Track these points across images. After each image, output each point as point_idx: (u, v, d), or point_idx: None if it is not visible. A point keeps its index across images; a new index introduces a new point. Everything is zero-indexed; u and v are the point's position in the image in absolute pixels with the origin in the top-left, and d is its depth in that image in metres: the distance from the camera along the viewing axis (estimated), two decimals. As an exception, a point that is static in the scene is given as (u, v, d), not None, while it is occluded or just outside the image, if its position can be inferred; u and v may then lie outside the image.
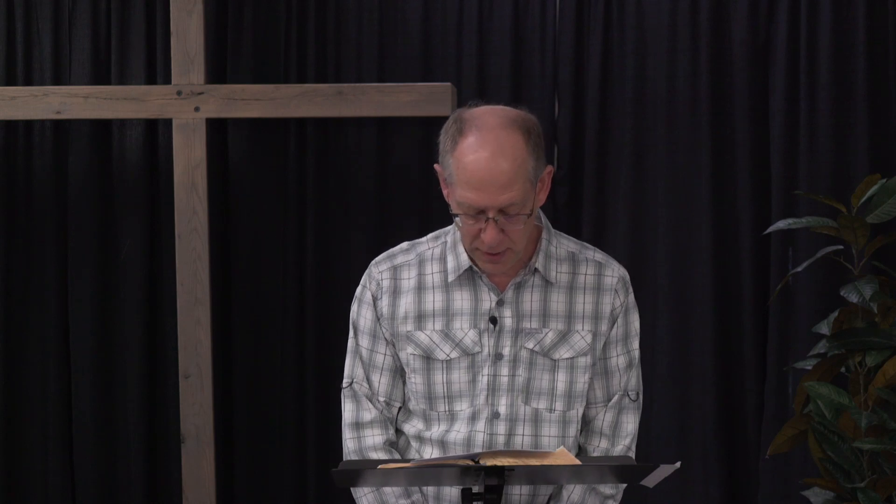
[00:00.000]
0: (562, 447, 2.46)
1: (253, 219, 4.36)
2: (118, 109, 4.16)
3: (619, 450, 2.67)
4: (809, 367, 3.71)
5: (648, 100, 4.18)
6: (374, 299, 2.65)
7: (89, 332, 4.36)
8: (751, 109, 4.14)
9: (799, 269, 3.83)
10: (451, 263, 2.62)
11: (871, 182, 3.68)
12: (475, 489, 2.36)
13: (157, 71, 4.33)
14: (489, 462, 2.28)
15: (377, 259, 2.69)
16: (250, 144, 4.35)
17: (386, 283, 2.64)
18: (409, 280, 2.64)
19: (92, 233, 4.36)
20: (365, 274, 2.68)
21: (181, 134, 4.13)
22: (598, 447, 2.66)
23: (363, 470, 2.44)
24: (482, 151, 2.45)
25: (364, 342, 2.68)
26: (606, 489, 2.65)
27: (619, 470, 2.46)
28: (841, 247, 3.75)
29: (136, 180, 4.34)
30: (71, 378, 4.39)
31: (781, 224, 3.78)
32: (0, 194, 4.38)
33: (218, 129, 4.32)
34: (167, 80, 4.22)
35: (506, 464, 2.28)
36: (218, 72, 4.31)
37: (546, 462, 2.33)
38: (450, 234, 2.66)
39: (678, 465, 2.39)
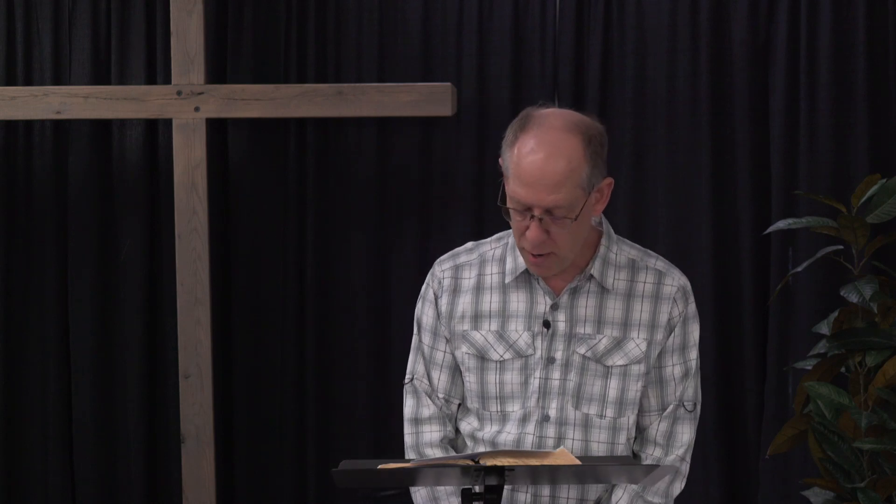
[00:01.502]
0: (562, 447, 2.46)
1: (253, 219, 4.36)
2: (118, 109, 4.16)
3: (671, 459, 2.66)
4: (809, 367, 3.71)
5: (648, 100, 4.18)
6: (436, 297, 2.68)
7: (89, 332, 4.36)
8: (751, 109, 4.14)
9: (799, 269, 3.83)
10: (509, 265, 2.64)
11: (871, 182, 3.68)
12: (475, 489, 2.36)
13: (157, 71, 4.33)
14: (489, 462, 2.28)
15: (441, 258, 2.72)
16: (250, 144, 4.35)
17: (447, 282, 2.67)
18: (469, 280, 2.66)
19: (92, 233, 4.36)
20: (430, 272, 2.71)
21: (181, 134, 4.13)
22: (652, 455, 2.66)
23: (363, 470, 2.44)
24: (538, 150, 2.47)
25: (426, 339, 2.70)
26: (655, 498, 2.65)
27: (619, 470, 2.46)
28: (841, 247, 3.75)
29: (136, 180, 4.34)
30: (71, 378, 4.39)
31: (781, 224, 3.78)
32: (0, 194, 4.38)
33: (218, 129, 4.32)
34: (167, 80, 4.22)
35: (506, 464, 2.29)
36: (218, 72, 4.31)
37: (546, 462, 2.33)
38: (512, 235, 2.66)
39: (678, 465, 2.39)
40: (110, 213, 4.37)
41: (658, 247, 4.18)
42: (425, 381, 2.70)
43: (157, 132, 4.34)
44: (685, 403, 2.67)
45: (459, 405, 2.70)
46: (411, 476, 2.44)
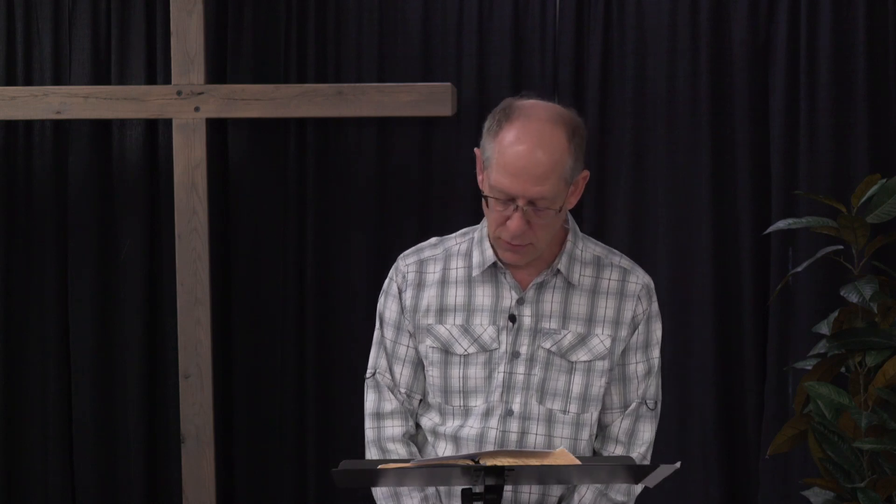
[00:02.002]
0: (562, 447, 2.46)
1: (253, 219, 4.36)
2: (118, 109, 4.16)
3: (634, 457, 2.67)
4: (809, 367, 3.71)
5: (648, 100, 4.18)
6: (400, 292, 2.68)
7: (89, 332, 4.36)
8: (751, 109, 4.14)
9: (799, 269, 3.83)
10: (475, 259, 2.64)
11: (871, 182, 3.68)
12: (475, 489, 2.36)
13: (157, 71, 4.33)
14: (489, 462, 2.28)
15: (405, 253, 2.72)
16: (250, 144, 4.35)
17: (411, 277, 2.67)
18: (433, 274, 2.66)
19: (92, 233, 4.36)
20: (393, 267, 2.72)
21: (181, 134, 4.13)
22: (613, 453, 2.67)
23: (363, 470, 2.44)
24: (524, 141, 2.48)
25: (388, 333, 2.70)
26: (618, 496, 2.66)
27: (619, 470, 2.46)
28: (841, 247, 3.75)
29: (136, 180, 4.34)
30: (71, 378, 4.39)
31: (781, 224, 3.78)
32: (0, 194, 4.38)
33: (218, 129, 4.31)
34: (167, 80, 4.22)
35: (506, 464, 2.28)
36: (218, 72, 4.31)
37: (546, 462, 2.33)
38: (478, 230, 2.67)
39: (678, 465, 2.39)
40: (110, 213, 4.37)
41: (658, 247, 4.18)
42: (387, 375, 2.69)
43: (157, 132, 4.34)
44: (647, 401, 2.69)
45: (421, 401, 2.70)
46: (411, 476, 2.44)
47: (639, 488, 2.69)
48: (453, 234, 2.72)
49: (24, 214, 4.39)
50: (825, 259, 3.77)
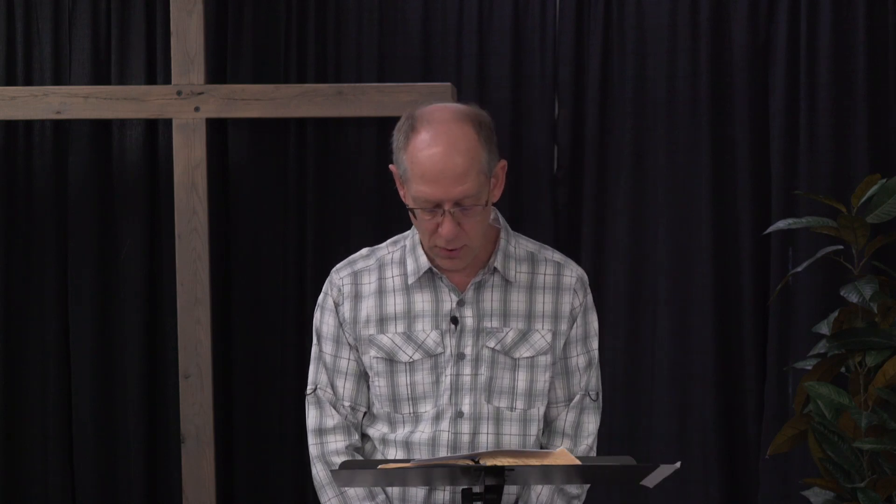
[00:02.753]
0: (562, 448, 2.46)
1: (253, 219, 4.36)
2: (118, 109, 4.16)
3: (581, 450, 2.69)
4: (809, 367, 3.71)
5: (648, 100, 4.18)
6: (336, 305, 2.67)
7: (89, 332, 4.36)
8: (751, 109, 4.14)
9: (799, 269, 3.83)
10: (410, 266, 2.64)
11: (871, 182, 3.68)
12: (475, 489, 2.36)
13: (157, 71, 4.33)
14: (489, 462, 2.28)
15: (338, 266, 2.71)
16: (250, 144, 4.35)
17: (347, 289, 2.66)
18: (369, 284, 2.66)
19: (92, 233, 4.36)
20: (326, 281, 2.70)
21: (181, 134, 4.13)
22: (560, 447, 2.67)
23: (363, 470, 2.45)
24: (435, 145, 2.48)
25: (327, 348, 2.69)
26: (573, 489, 2.68)
27: (619, 470, 2.46)
28: (841, 247, 3.75)
29: (136, 180, 4.34)
30: (71, 378, 4.39)
31: (781, 224, 3.77)
32: (0, 194, 4.38)
33: (218, 129, 4.31)
34: (167, 80, 4.22)
35: (506, 464, 2.28)
36: (218, 72, 4.31)
37: (546, 462, 2.33)
38: (408, 237, 2.67)
39: (678, 465, 2.39)
40: (110, 213, 4.37)
41: (658, 247, 4.19)
42: (329, 390, 2.68)
43: (157, 132, 4.34)
44: (590, 393, 2.70)
45: (365, 413, 2.69)
46: (411, 476, 2.44)
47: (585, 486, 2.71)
48: (384, 244, 2.71)
49: (24, 214, 4.39)
50: (825, 259, 3.77)
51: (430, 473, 2.40)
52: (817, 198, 3.81)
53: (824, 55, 4.08)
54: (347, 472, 2.41)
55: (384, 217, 4.29)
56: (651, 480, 2.41)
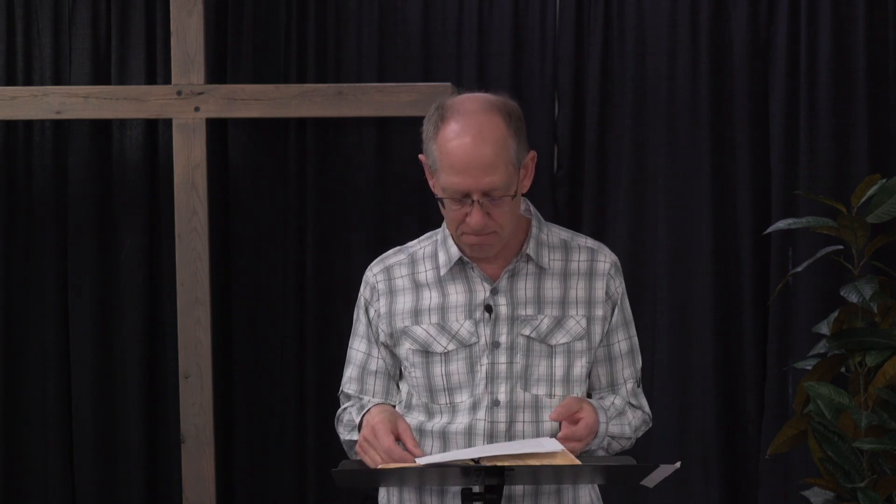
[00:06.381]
0: (562, 448, 2.46)
1: (253, 219, 4.36)
2: (118, 109, 4.16)
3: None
4: (809, 367, 3.71)
5: (648, 100, 4.18)
6: (368, 304, 2.68)
7: (89, 332, 4.36)
8: (751, 110, 4.14)
9: (799, 269, 3.83)
10: (441, 258, 2.64)
11: (871, 182, 3.68)
12: (475, 489, 2.36)
13: (157, 71, 4.33)
14: (489, 462, 2.28)
15: (372, 264, 2.72)
16: (250, 144, 4.35)
17: (382, 285, 2.67)
18: (402, 279, 2.66)
19: (92, 233, 4.36)
20: (363, 280, 2.71)
21: (181, 134, 4.13)
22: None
23: (363, 470, 2.45)
24: (464, 135, 2.48)
25: (361, 346, 2.71)
26: (635, 420, 2.71)
27: (620, 470, 2.46)
28: (841, 247, 3.75)
29: (136, 180, 4.35)
30: (71, 378, 4.39)
31: (781, 224, 3.78)
32: (0, 194, 4.38)
33: (218, 129, 4.32)
34: (167, 80, 4.22)
35: (506, 464, 2.29)
36: (218, 72, 4.31)
37: (546, 462, 2.33)
38: (440, 232, 2.68)
39: (678, 465, 2.39)
40: (110, 212, 4.37)
41: (658, 247, 4.19)
42: (356, 385, 2.72)
43: (157, 132, 4.34)
44: (637, 379, 2.73)
45: (395, 406, 2.70)
46: (411, 476, 2.44)
47: (642, 432, 2.75)
48: (415, 241, 2.73)
49: (24, 214, 4.39)
50: (825, 259, 3.77)
51: (430, 473, 2.40)
52: (817, 198, 3.81)
53: (824, 55, 4.08)
54: (347, 472, 2.41)
55: (384, 217, 4.29)
56: (651, 480, 2.41)
